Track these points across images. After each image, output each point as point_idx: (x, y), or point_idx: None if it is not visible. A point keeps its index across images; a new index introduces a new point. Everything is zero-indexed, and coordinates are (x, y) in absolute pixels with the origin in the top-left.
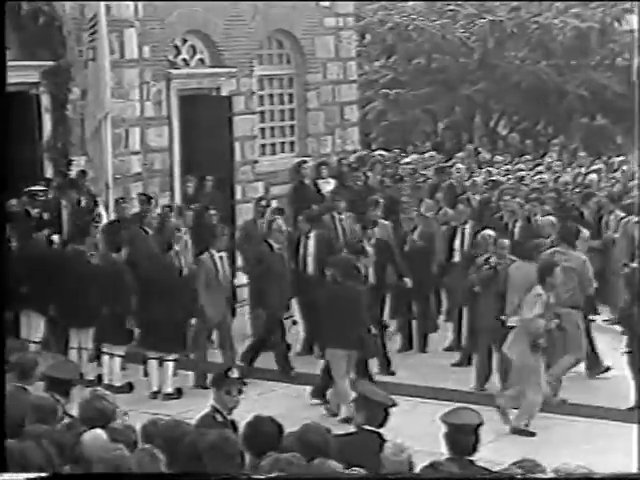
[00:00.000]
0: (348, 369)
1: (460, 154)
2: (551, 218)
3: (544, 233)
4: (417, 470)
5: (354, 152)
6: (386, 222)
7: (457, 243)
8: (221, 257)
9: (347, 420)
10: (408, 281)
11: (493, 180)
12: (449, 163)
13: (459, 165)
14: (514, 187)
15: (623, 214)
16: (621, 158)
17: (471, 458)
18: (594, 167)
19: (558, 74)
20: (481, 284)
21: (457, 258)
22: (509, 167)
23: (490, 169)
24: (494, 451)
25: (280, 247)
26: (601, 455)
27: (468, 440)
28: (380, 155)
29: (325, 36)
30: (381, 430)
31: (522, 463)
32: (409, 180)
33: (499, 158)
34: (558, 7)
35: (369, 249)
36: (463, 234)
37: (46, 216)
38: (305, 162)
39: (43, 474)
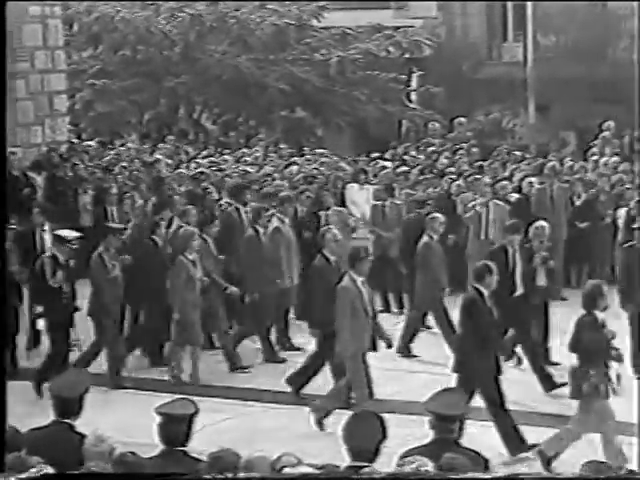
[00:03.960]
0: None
1: (163, 145)
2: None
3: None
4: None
5: (64, 142)
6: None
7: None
8: (363, 282)
9: None
10: None
11: (201, 172)
12: (154, 154)
13: (158, 156)
14: (218, 179)
15: None
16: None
17: (183, 449)
18: (292, 159)
19: (258, 68)
20: None
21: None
22: (213, 159)
23: (199, 161)
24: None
25: (337, 260)
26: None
27: (179, 430)
28: (89, 145)
29: (32, 24)
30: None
31: (218, 453)
32: (117, 171)
33: (202, 152)
34: (255, 3)
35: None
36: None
37: None
38: (13, 153)
39: (43, 474)
